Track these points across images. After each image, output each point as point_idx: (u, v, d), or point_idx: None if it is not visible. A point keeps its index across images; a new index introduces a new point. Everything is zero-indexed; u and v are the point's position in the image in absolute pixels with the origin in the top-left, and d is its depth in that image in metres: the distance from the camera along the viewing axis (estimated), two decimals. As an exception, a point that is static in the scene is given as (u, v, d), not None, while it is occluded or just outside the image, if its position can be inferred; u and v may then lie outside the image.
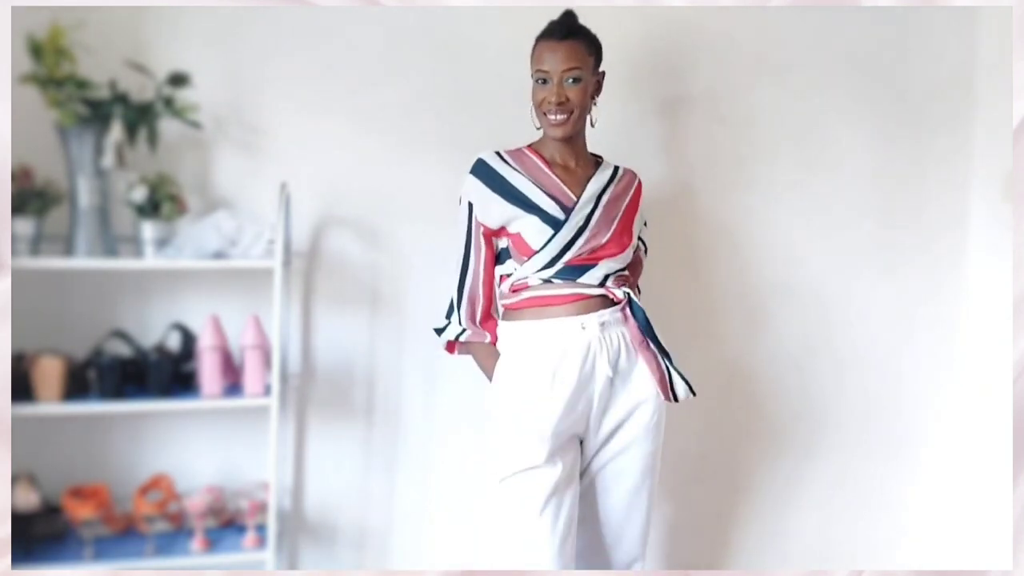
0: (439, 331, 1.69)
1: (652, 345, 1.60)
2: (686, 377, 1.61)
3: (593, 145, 1.68)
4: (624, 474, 1.65)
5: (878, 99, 2.17)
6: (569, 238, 1.57)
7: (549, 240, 1.56)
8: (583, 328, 1.57)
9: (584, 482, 1.66)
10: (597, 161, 1.70)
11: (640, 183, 1.73)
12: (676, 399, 1.61)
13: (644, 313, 1.59)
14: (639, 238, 1.77)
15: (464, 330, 1.65)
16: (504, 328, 1.64)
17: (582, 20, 1.59)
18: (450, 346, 1.70)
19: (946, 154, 2.22)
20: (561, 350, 1.56)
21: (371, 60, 1.92)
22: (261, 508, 1.76)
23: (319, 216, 1.92)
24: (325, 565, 1.98)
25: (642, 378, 1.61)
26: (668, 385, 1.60)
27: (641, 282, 1.80)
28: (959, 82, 2.20)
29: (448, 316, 1.68)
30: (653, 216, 1.82)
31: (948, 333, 2.26)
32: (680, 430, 2.14)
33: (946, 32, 2.19)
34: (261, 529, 1.76)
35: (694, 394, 1.61)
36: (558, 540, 1.54)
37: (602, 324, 1.58)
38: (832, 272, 2.19)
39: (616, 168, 1.70)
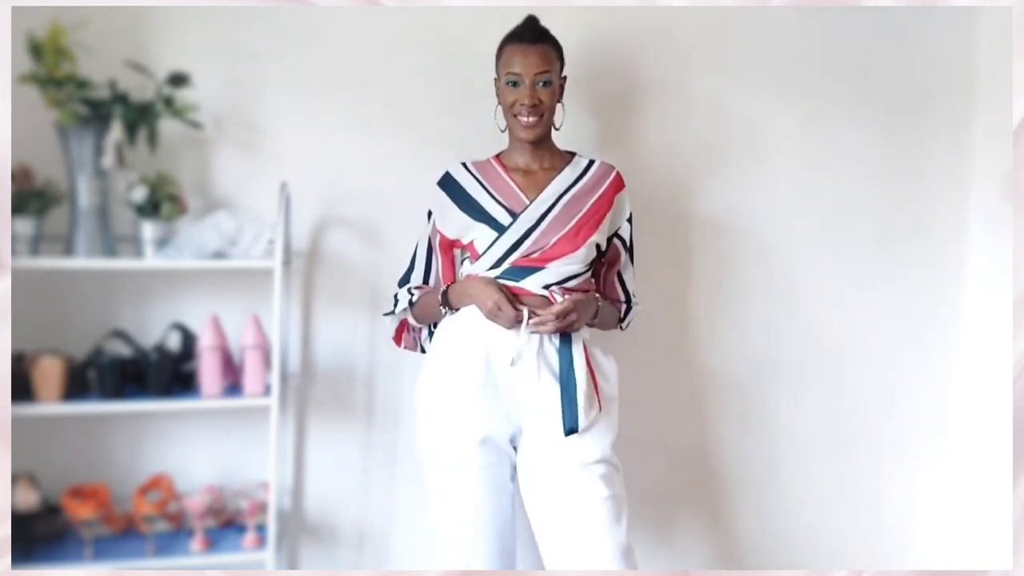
0: (388, 314, 1.77)
1: (564, 366, 1.56)
2: (576, 415, 1.53)
3: (590, 142, 1.68)
4: (533, 483, 1.59)
5: (878, 99, 2.17)
6: (514, 240, 1.58)
7: (492, 244, 1.59)
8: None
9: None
10: (569, 158, 1.69)
11: (618, 177, 1.68)
12: (571, 429, 1.53)
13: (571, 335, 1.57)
14: (624, 289, 1.74)
15: (411, 295, 1.72)
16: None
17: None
18: (398, 335, 1.80)
19: (946, 154, 2.22)
20: (492, 331, 1.57)
21: (371, 60, 1.92)
22: (261, 508, 1.76)
23: (319, 216, 1.92)
24: (325, 565, 1.98)
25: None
26: (562, 409, 1.54)
27: (647, 280, 1.78)
28: (959, 82, 2.20)
29: (394, 305, 1.75)
30: (652, 214, 1.80)
31: (948, 333, 2.26)
32: (680, 430, 2.15)
33: (946, 32, 2.18)
34: (261, 529, 1.76)
35: (575, 430, 1.53)
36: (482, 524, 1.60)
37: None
38: (831, 272, 2.19)
39: (591, 163, 1.68)
